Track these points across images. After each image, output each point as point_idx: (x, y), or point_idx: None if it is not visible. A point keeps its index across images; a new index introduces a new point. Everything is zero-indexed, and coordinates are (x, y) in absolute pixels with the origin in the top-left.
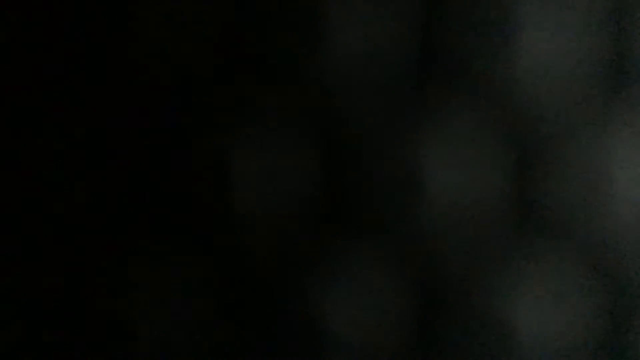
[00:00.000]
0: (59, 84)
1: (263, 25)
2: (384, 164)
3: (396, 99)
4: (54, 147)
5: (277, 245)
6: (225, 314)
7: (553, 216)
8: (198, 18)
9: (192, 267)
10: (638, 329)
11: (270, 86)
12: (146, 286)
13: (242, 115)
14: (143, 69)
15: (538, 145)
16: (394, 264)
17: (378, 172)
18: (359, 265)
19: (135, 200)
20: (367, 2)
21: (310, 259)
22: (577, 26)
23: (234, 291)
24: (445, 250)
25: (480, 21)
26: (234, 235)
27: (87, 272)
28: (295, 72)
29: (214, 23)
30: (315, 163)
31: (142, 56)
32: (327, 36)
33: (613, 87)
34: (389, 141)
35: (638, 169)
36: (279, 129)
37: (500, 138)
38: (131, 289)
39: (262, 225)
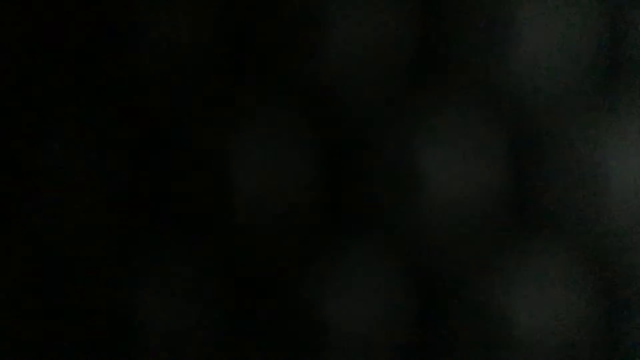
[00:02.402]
0: (58, 84)
1: (263, 25)
2: (382, 161)
3: (394, 97)
4: (54, 146)
5: (277, 242)
6: (226, 312)
7: (550, 212)
8: (198, 17)
9: (193, 266)
10: (635, 324)
11: (270, 86)
12: (146, 285)
13: (242, 114)
14: (143, 68)
15: (535, 142)
16: (393, 261)
17: (377, 169)
18: (358, 262)
19: (136, 199)
20: (366, 2)
21: (310, 257)
22: (574, 22)
23: (234, 289)
24: (443, 246)
25: (478, 18)
26: (234, 234)
27: (87, 271)
28: (295, 72)
29: (214, 22)
30: (314, 161)
31: (142, 55)
32: (326, 35)
33: (609, 84)
34: (387, 138)
35: (634, 165)
36: (279, 127)
37: (498, 135)
38: (131, 288)
39: (262, 223)
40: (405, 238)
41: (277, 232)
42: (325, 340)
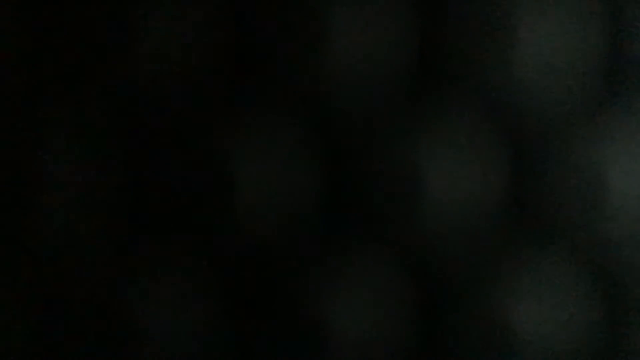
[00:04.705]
0: (60, 84)
1: (264, 28)
2: (383, 164)
3: (394, 100)
4: (54, 147)
5: (279, 245)
6: (227, 314)
7: (550, 216)
8: (199, 19)
9: (194, 267)
10: (635, 327)
11: (271, 88)
12: (148, 286)
13: (244, 116)
14: (144, 69)
15: (535, 146)
16: (394, 265)
17: (377, 173)
18: (359, 265)
19: (137, 200)
20: (366, 4)
21: (311, 259)
22: (573, 27)
23: (235, 290)
24: (443, 250)
25: (478, 21)
26: (236, 236)
27: (88, 272)
28: (296, 74)
29: (215, 24)
30: (316, 165)
31: (143, 56)
32: (327, 38)
33: (609, 88)
34: (387, 142)
35: (633, 169)
36: (280, 130)
37: (497, 138)
38: (133, 289)
39: (264, 225)
40: (407, 242)
41: (278, 236)
42: (326, 343)
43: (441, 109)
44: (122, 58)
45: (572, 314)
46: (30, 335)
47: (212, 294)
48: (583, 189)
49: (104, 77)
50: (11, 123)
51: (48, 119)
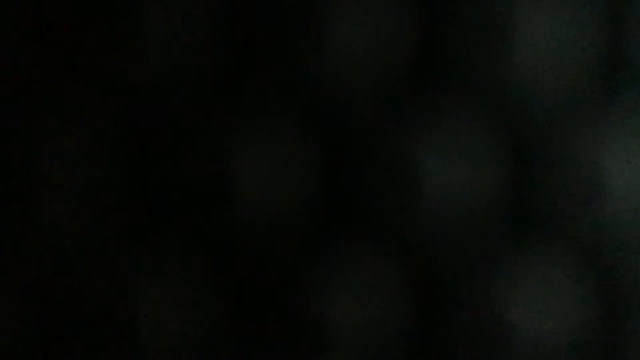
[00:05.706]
0: (58, 84)
1: (263, 26)
2: (382, 162)
3: (394, 98)
4: (54, 146)
5: (278, 243)
6: (226, 312)
7: (549, 213)
8: (199, 18)
9: (194, 266)
10: (634, 325)
11: (270, 86)
12: (147, 285)
13: (243, 115)
14: (144, 68)
15: (534, 143)
16: (392, 262)
17: (377, 171)
18: (358, 264)
19: (137, 199)
20: (365, 2)
21: (311, 257)
22: (573, 24)
23: (235, 289)
24: (442, 248)
25: (477, 19)
26: (235, 234)
27: (88, 271)
28: (295, 72)
29: (214, 23)
30: (314, 162)
31: (143, 56)
32: (326, 36)
33: (609, 86)
34: (387, 140)
35: (633, 167)
36: (280, 128)
37: (497, 136)
38: (132, 288)
39: (263, 223)
40: (405, 240)
41: (277, 233)
42: (325, 341)
43: (441, 106)
44: (122, 58)
45: (571, 313)
46: (30, 335)
47: (211, 292)
48: (583, 187)
49: (104, 77)
50: (11, 123)
51: (48, 118)
